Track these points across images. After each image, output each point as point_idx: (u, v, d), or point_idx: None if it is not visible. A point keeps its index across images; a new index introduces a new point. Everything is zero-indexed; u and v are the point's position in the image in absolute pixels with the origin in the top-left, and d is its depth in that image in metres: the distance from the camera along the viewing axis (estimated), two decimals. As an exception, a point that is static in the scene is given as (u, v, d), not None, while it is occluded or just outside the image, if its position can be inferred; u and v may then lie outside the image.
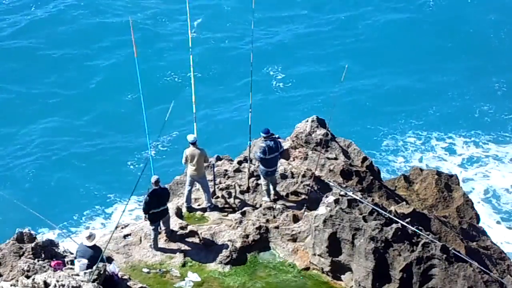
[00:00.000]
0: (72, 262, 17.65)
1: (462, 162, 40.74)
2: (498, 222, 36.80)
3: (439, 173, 25.46)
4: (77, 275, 15.92)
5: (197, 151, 20.84)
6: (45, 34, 49.16)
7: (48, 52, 47.45)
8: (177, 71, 45.76)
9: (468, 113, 44.14)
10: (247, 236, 20.38)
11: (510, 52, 48.67)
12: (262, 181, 21.70)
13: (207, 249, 20.14)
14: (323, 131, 23.97)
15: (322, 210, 19.79)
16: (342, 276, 19.68)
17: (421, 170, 25.87)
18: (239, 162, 23.31)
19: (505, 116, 43.86)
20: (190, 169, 20.99)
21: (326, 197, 20.27)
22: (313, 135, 24.01)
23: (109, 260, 18.83)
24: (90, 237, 16.76)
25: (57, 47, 48.02)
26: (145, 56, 44.26)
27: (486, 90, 45.68)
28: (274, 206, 21.37)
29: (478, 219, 24.83)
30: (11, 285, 15.81)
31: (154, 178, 19.31)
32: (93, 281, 15.58)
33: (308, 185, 21.87)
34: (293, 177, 22.54)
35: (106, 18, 51.37)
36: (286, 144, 23.53)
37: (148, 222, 19.72)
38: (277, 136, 21.69)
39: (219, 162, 23.69)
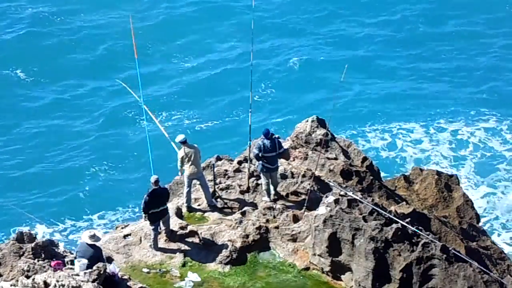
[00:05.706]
0: (72, 262, 17.65)
1: (462, 162, 40.74)
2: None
3: (439, 173, 25.42)
4: (77, 275, 15.92)
5: (191, 149, 20.74)
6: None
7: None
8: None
9: (472, 112, 44.23)
10: (247, 236, 20.37)
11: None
12: (262, 181, 21.68)
13: (207, 249, 20.13)
14: (323, 131, 23.95)
15: (322, 210, 19.78)
16: (342, 276, 19.67)
17: (421, 170, 25.82)
18: (239, 162, 23.28)
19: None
20: (188, 169, 20.86)
21: (326, 197, 20.26)
22: (313, 135, 24.00)
23: (109, 260, 18.83)
24: (93, 236, 16.73)
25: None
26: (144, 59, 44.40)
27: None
28: (274, 206, 21.35)
29: (478, 219, 24.81)
30: (11, 285, 15.82)
31: (153, 178, 19.27)
32: (93, 281, 15.58)
33: (308, 184, 21.88)
34: (293, 177, 22.51)
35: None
36: (286, 144, 23.50)
37: (148, 222, 19.70)
38: (277, 136, 21.66)
39: (219, 162, 23.65)
